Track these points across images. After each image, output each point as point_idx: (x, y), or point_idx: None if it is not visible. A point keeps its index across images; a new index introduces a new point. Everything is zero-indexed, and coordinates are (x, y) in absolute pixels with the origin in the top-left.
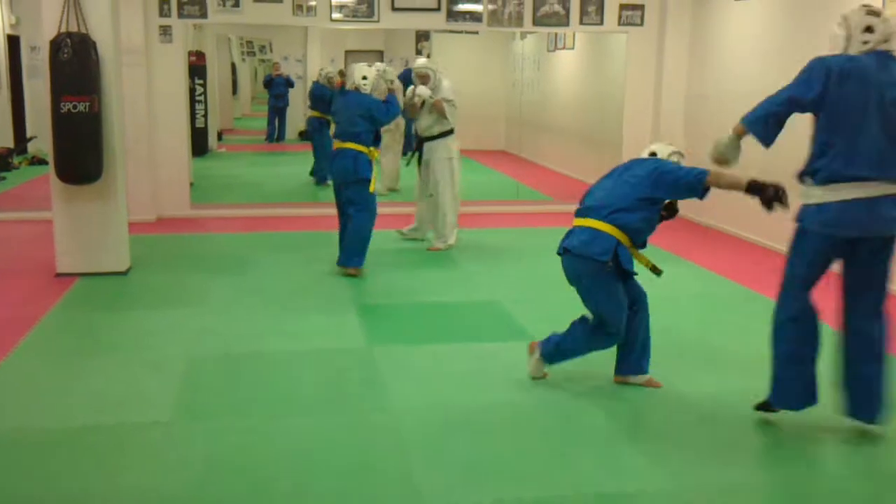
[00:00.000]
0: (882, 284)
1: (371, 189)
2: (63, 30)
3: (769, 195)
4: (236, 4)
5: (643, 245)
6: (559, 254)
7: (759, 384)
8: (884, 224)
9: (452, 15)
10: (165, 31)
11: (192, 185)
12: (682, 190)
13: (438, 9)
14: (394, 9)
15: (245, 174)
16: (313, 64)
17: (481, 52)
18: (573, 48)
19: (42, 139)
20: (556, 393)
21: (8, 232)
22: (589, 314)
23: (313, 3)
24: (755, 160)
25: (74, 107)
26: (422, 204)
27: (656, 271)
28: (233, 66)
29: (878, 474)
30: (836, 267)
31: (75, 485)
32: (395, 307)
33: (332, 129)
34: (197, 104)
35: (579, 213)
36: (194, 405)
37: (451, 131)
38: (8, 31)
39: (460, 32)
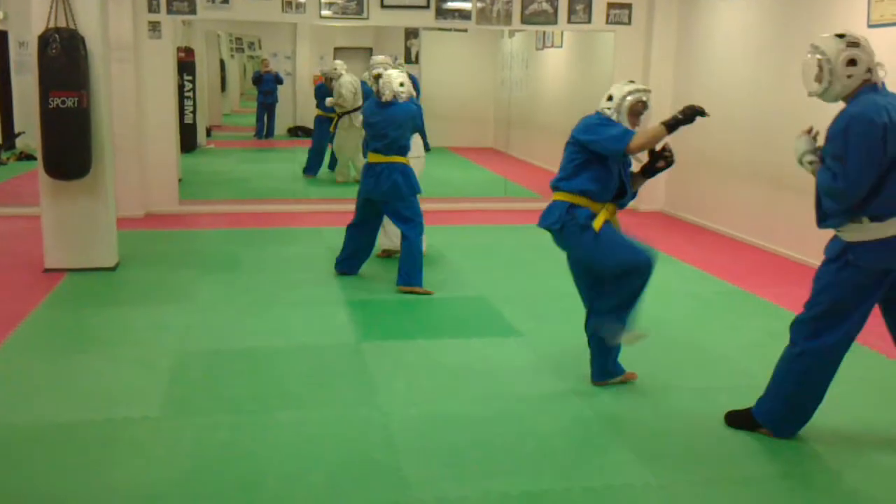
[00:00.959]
0: None
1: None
2: (51, 25)
3: (692, 111)
4: (225, 1)
5: (615, 199)
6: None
7: (746, 381)
8: None
9: (441, 12)
10: (154, 26)
11: (180, 181)
12: (607, 144)
13: (427, 6)
14: (383, 6)
15: (234, 170)
16: (302, 61)
17: (470, 50)
18: (561, 46)
19: (30, 135)
20: (543, 388)
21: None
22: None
23: (302, 0)
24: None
25: (63, 102)
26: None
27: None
28: (221, 62)
29: (871, 466)
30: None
31: (63, 481)
32: (383, 303)
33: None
34: (186, 100)
35: None
36: (183, 401)
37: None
38: None
39: (449, 30)
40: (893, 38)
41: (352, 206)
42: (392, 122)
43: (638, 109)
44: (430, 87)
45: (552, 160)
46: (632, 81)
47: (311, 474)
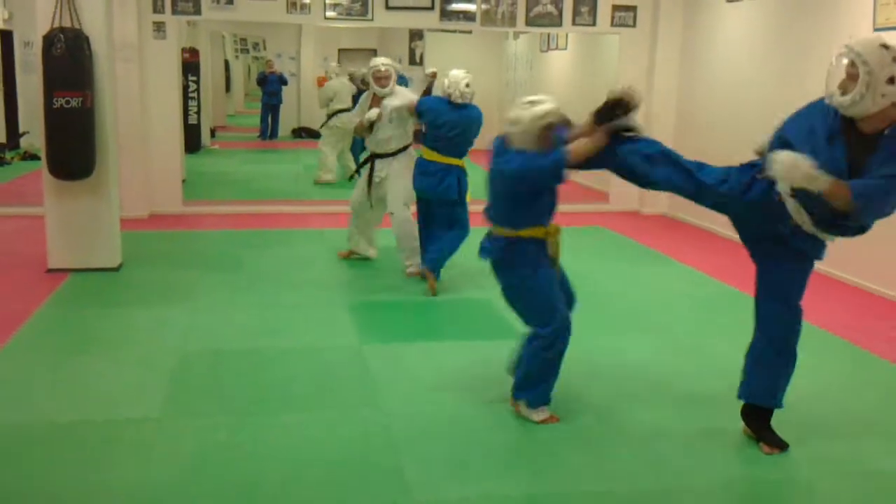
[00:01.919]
0: None
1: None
2: (56, 25)
3: (622, 98)
4: (230, 1)
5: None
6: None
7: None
8: None
9: (446, 14)
10: (159, 27)
11: (184, 181)
12: (543, 181)
13: (432, 8)
14: (388, 7)
15: (238, 171)
16: (307, 62)
17: (475, 52)
18: (566, 48)
19: (34, 134)
20: None
21: (2, 225)
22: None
23: (307, 1)
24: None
25: (67, 102)
26: (362, 218)
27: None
28: (226, 63)
29: (868, 470)
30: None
31: (64, 480)
32: (385, 305)
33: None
34: (190, 101)
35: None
36: (185, 401)
37: (409, 143)
38: (1, 25)
39: (454, 32)
40: None
41: None
42: (466, 124)
43: (548, 134)
44: (435, 90)
45: None
46: (531, 102)
47: (311, 475)
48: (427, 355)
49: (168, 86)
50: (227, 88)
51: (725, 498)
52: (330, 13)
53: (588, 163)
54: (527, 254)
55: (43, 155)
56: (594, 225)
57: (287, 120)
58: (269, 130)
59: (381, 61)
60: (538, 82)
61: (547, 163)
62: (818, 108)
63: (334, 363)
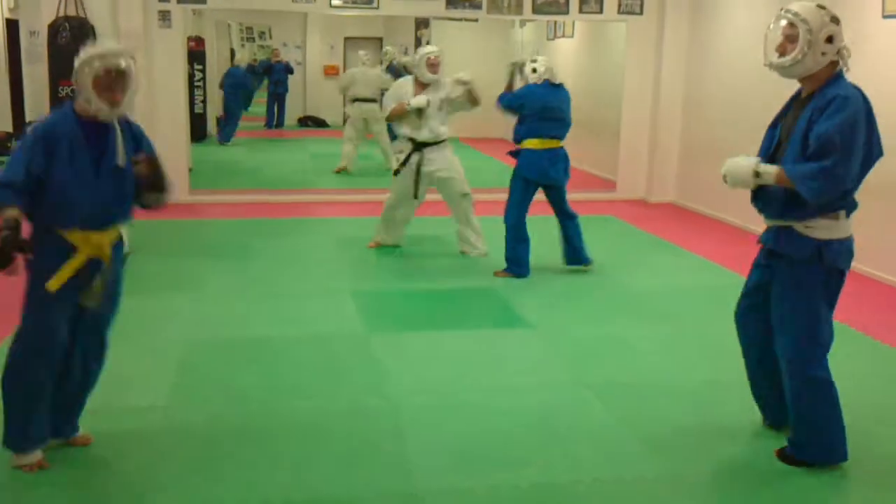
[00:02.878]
0: None
1: None
2: (62, 14)
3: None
4: None
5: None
6: None
7: None
8: None
9: (452, 2)
10: (164, 16)
11: (190, 170)
12: None
13: None
14: None
15: (244, 160)
16: (313, 50)
17: (481, 40)
18: (573, 36)
19: None
20: (552, 379)
21: None
22: None
23: None
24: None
25: (73, 91)
26: (400, 211)
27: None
28: (232, 52)
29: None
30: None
31: (71, 469)
32: (392, 293)
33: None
34: (196, 90)
35: None
36: (191, 389)
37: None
38: (7, 14)
39: (460, 20)
40: None
41: (360, 197)
42: (565, 105)
43: None
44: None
45: None
46: None
47: (318, 464)
48: (434, 344)
49: (174, 75)
50: None
51: (736, 488)
52: (336, 1)
53: None
54: None
55: None
56: (602, 214)
57: (293, 109)
58: (275, 119)
59: (432, 49)
60: None
61: None
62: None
63: (341, 352)
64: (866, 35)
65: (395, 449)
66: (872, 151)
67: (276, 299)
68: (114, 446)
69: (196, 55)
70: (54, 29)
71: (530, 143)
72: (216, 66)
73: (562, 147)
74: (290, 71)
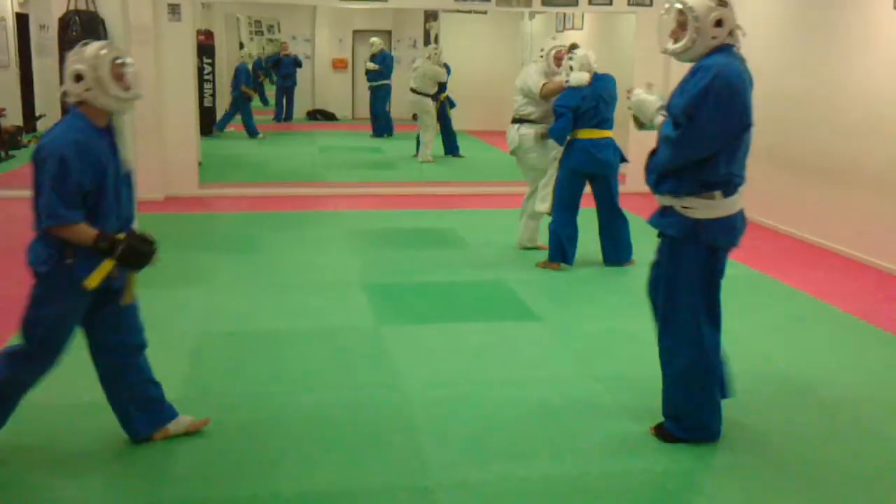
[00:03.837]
0: None
1: None
2: (72, 7)
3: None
4: None
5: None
6: None
7: (765, 365)
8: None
9: None
10: (174, 9)
11: (200, 164)
12: None
13: None
14: None
15: (253, 153)
16: (321, 44)
17: (490, 33)
18: (582, 28)
19: (51, 118)
20: (562, 373)
21: (17, 209)
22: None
23: None
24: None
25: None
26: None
27: None
28: (241, 45)
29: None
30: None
31: (83, 461)
32: (402, 286)
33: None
34: (205, 83)
35: None
36: (203, 382)
37: None
38: (17, 8)
39: (469, 12)
40: None
41: (369, 190)
42: (612, 93)
43: None
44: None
45: None
46: None
47: (330, 456)
48: (444, 336)
49: (183, 68)
50: None
51: (744, 480)
52: None
53: None
54: None
55: None
56: None
57: (302, 102)
58: (283, 113)
59: (560, 44)
60: None
61: None
62: None
63: (352, 344)
64: (876, 25)
65: (406, 441)
66: (741, 122)
67: (286, 292)
68: (126, 439)
69: (205, 49)
70: (65, 22)
71: (588, 133)
72: (225, 60)
73: (611, 137)
74: (299, 64)
